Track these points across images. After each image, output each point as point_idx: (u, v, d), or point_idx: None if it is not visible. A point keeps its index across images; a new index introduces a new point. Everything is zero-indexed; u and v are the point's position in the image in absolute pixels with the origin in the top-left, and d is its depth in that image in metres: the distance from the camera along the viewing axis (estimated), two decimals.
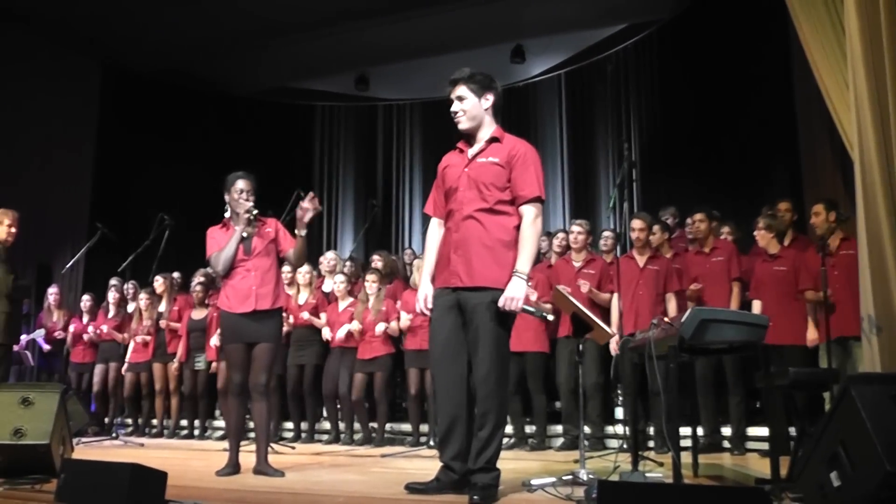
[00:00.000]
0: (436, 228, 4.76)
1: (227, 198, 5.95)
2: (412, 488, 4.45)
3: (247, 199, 5.86)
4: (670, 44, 12.43)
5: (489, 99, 4.61)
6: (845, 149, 6.93)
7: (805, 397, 5.76)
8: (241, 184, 5.91)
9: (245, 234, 5.85)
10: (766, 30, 10.13)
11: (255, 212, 5.85)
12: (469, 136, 4.68)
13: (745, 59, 10.90)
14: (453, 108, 4.62)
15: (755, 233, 7.47)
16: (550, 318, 4.44)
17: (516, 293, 4.29)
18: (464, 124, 4.61)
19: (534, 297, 7.85)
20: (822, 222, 7.03)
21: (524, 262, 4.37)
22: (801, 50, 7.57)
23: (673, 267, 7.76)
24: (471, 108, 4.58)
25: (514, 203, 4.50)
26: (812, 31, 7.12)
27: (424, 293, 4.64)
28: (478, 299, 4.37)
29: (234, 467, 5.72)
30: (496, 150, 4.56)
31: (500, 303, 4.28)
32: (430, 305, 4.60)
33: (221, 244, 5.86)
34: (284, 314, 8.94)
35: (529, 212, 4.45)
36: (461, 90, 4.58)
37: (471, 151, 4.63)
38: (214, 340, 9.34)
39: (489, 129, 4.64)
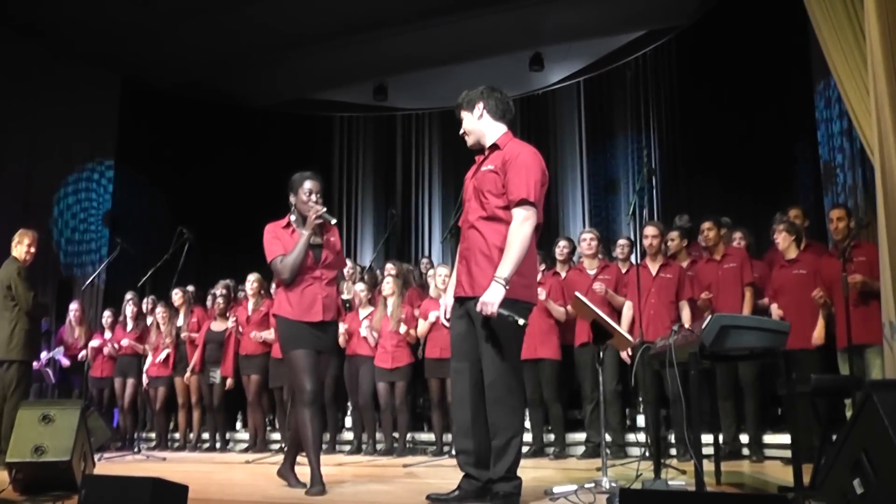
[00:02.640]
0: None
1: (292, 200, 5.52)
2: (434, 499, 4.47)
3: (316, 202, 5.47)
4: (689, 50, 12.40)
5: (479, 107, 4.66)
6: (864, 152, 6.90)
7: (826, 404, 5.72)
8: (308, 184, 5.49)
9: (314, 242, 5.48)
10: (785, 35, 10.09)
11: (333, 221, 5.55)
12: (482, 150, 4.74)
13: (764, 65, 10.87)
14: (461, 132, 4.77)
15: (776, 235, 7.46)
16: (522, 322, 4.33)
17: (490, 298, 4.21)
18: (469, 142, 4.74)
19: (543, 296, 7.84)
20: (844, 228, 6.99)
21: (505, 267, 4.28)
22: (820, 54, 7.54)
23: (686, 274, 7.76)
24: (467, 124, 4.70)
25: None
26: (832, 36, 7.07)
27: (445, 304, 4.72)
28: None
29: (320, 485, 5.21)
30: (494, 157, 4.58)
31: (477, 307, 4.25)
32: (447, 316, 4.68)
33: (287, 247, 5.42)
34: None
35: (517, 215, 4.38)
36: (460, 114, 4.74)
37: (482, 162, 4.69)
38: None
39: (494, 135, 4.66)
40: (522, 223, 4.35)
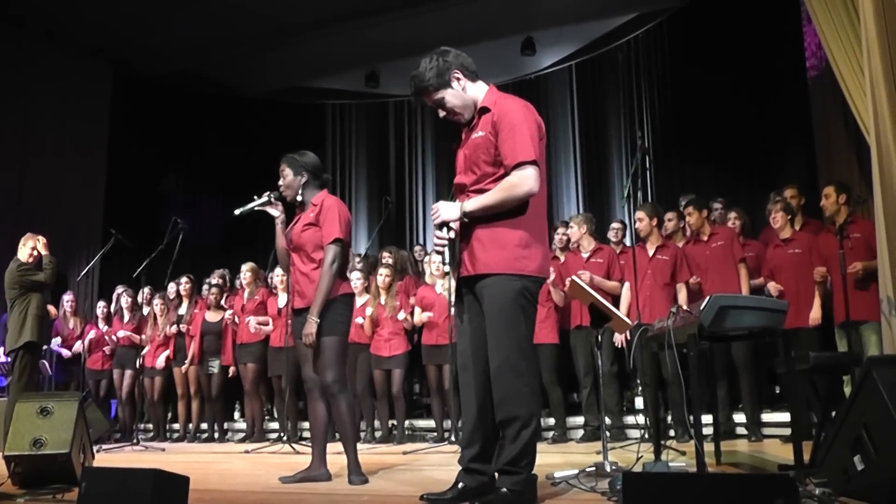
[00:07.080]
0: None
1: None
2: (429, 499, 3.99)
3: (279, 185, 5.28)
4: (681, 32, 12.40)
5: (457, 76, 4.07)
6: (859, 132, 6.90)
7: (825, 381, 5.73)
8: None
9: (281, 224, 5.30)
10: (778, 15, 10.08)
11: (261, 200, 5.28)
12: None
13: (756, 45, 10.87)
14: (443, 116, 4.18)
15: (772, 215, 7.46)
16: (452, 235, 3.90)
17: (447, 214, 3.91)
18: (466, 117, 4.10)
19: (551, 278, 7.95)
20: (833, 204, 6.96)
21: (475, 201, 3.88)
22: (813, 34, 7.54)
23: (683, 256, 7.76)
24: (455, 102, 4.07)
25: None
26: (826, 16, 7.09)
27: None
28: (482, 286, 3.91)
29: (305, 472, 5.23)
30: (484, 122, 4.00)
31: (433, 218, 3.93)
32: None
33: None
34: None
35: (515, 173, 3.83)
36: (434, 98, 4.10)
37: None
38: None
39: (480, 97, 4.09)
40: (522, 180, 3.81)
